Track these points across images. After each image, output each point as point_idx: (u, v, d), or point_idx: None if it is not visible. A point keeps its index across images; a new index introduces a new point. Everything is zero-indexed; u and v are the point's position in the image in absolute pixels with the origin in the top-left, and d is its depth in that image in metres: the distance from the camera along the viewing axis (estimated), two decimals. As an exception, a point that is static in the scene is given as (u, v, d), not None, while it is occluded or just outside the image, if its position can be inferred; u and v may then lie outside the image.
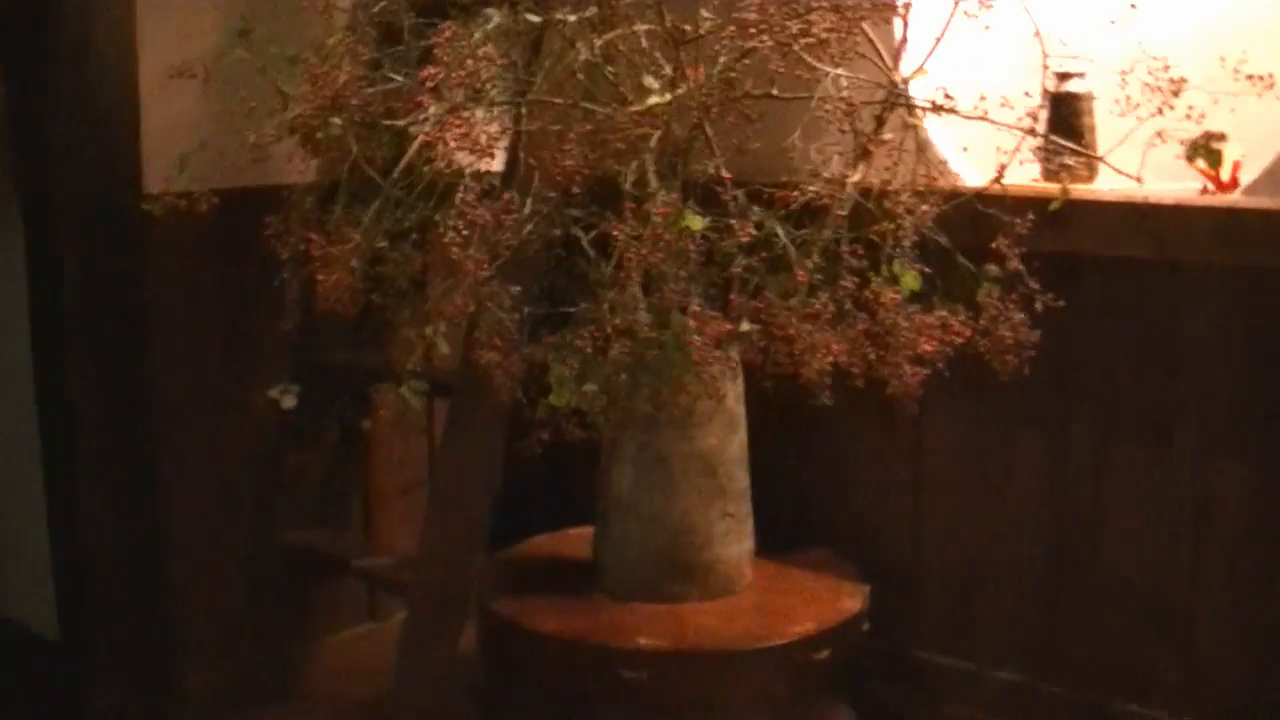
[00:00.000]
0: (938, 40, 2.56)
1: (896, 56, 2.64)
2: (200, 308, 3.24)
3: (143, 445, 3.19)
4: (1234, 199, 2.79)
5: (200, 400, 3.28)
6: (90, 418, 3.12)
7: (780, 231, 2.42)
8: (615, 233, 2.33)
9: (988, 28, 2.43)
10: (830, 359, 2.41)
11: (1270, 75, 2.47)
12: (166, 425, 3.22)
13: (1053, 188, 2.81)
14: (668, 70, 2.43)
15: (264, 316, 2.77)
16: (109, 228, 3.04)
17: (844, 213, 2.48)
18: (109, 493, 3.15)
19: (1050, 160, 2.87)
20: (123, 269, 3.10)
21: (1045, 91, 2.62)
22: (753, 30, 2.28)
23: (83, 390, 3.11)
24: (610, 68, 2.42)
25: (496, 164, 2.70)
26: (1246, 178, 2.82)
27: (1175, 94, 2.46)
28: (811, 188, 2.40)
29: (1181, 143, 2.56)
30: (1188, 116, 2.46)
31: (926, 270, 2.55)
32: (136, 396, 3.16)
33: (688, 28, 2.45)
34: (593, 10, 2.49)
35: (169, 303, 3.18)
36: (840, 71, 2.43)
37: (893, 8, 2.53)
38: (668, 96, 2.32)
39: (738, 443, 2.94)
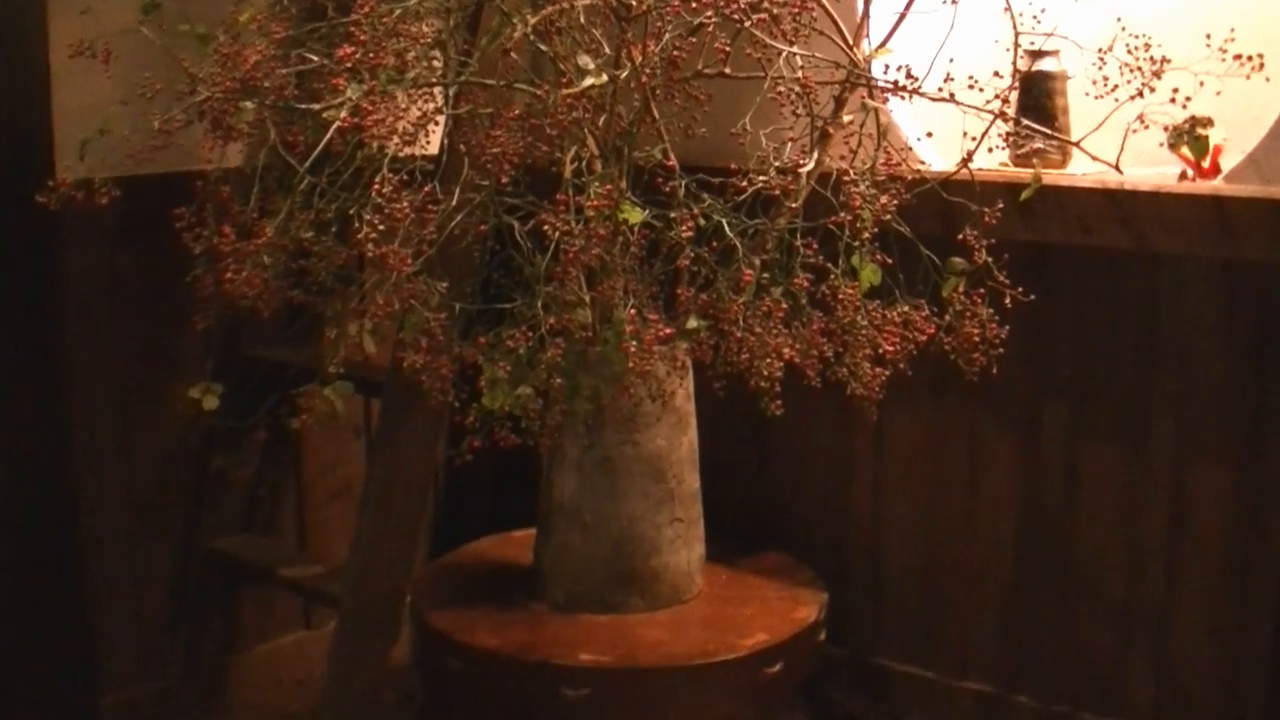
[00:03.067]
0: (901, 16, 2.40)
1: (857, 33, 2.48)
2: (118, 301, 3.05)
3: (56, 449, 3.00)
4: (1216, 186, 2.65)
5: (118, 400, 3.09)
6: (-1, 419, 2.93)
7: (727, 225, 2.24)
8: (547, 226, 2.15)
9: (955, 2, 2.26)
10: (782, 364, 2.24)
11: (1259, 56, 2.30)
12: (82, 427, 3.04)
13: (1024, 173, 2.65)
14: (607, 49, 2.25)
15: (187, 311, 2.58)
16: (19, 215, 2.84)
17: (797, 204, 2.31)
18: (19, 498, 2.95)
19: (1021, 144, 2.71)
20: (34, 260, 2.91)
21: (1016, 71, 2.43)
22: (695, 4, 2.09)
23: (-11, 391, 2.92)
24: (545, 46, 2.23)
25: (434, 147, 2.54)
26: (1228, 163, 2.67)
27: (1157, 75, 2.30)
28: (763, 177, 2.22)
29: (1165, 129, 2.39)
30: (1172, 100, 2.29)
31: (888, 261, 2.40)
32: (48, 397, 2.97)
33: (633, 1, 2.28)
34: (530, -19, 2.31)
35: (84, 296, 3.00)
36: (795, 50, 2.25)
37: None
38: (604, 78, 2.14)
39: (687, 443, 2.78)
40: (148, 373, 3.13)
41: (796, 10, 2.19)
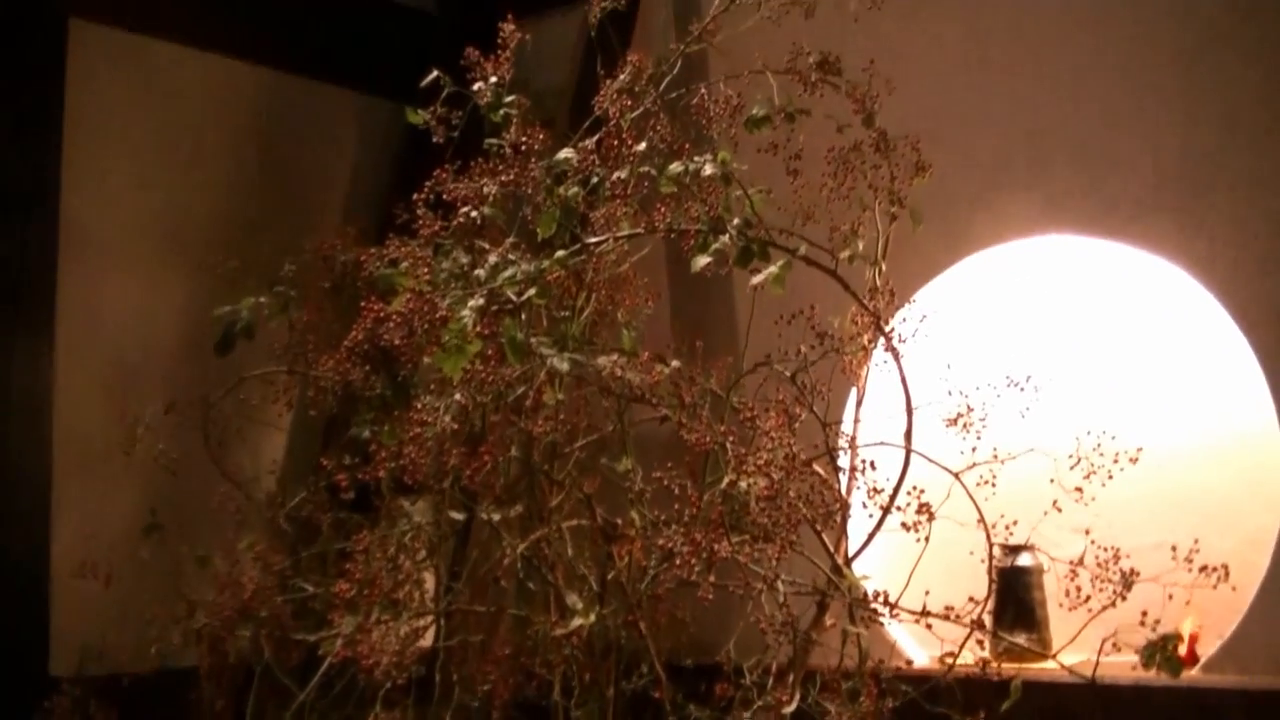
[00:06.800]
0: (870, 536, 2.47)
1: (837, 545, 2.55)
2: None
3: None
4: (1195, 677, 2.69)
5: None
6: None
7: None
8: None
9: (927, 539, 2.33)
10: None
11: (1225, 566, 2.37)
12: None
13: (1007, 669, 2.68)
14: (593, 584, 2.33)
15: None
16: (14, 710, 2.88)
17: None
18: None
19: (1001, 639, 2.76)
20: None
21: (991, 581, 2.49)
22: (677, 562, 2.16)
23: None
24: (534, 584, 2.30)
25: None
26: (1205, 649, 2.72)
27: (1127, 587, 2.36)
28: (747, 715, 2.25)
29: (1137, 651, 2.44)
30: (1141, 623, 2.35)
31: (872, 765, 2.41)
32: None
33: (619, 521, 2.36)
34: (519, 508, 2.39)
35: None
36: (780, 576, 2.31)
37: (833, 514, 2.43)
38: (592, 617, 2.20)
39: None
40: None
41: (779, 551, 2.25)
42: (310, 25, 3.73)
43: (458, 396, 2.25)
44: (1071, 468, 2.53)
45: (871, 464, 2.37)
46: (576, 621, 2.20)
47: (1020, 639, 2.79)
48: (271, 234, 3.48)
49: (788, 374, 2.43)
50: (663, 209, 2.34)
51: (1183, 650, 2.63)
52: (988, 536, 2.49)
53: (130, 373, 3.19)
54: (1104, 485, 2.54)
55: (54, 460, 2.97)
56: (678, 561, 2.13)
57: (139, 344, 3.24)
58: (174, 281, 3.32)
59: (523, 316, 2.25)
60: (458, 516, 2.41)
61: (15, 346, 3.04)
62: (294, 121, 3.72)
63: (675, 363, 2.37)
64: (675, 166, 2.30)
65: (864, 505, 2.38)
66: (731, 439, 2.25)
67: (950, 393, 2.50)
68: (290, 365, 2.67)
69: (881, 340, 2.46)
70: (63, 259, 3.10)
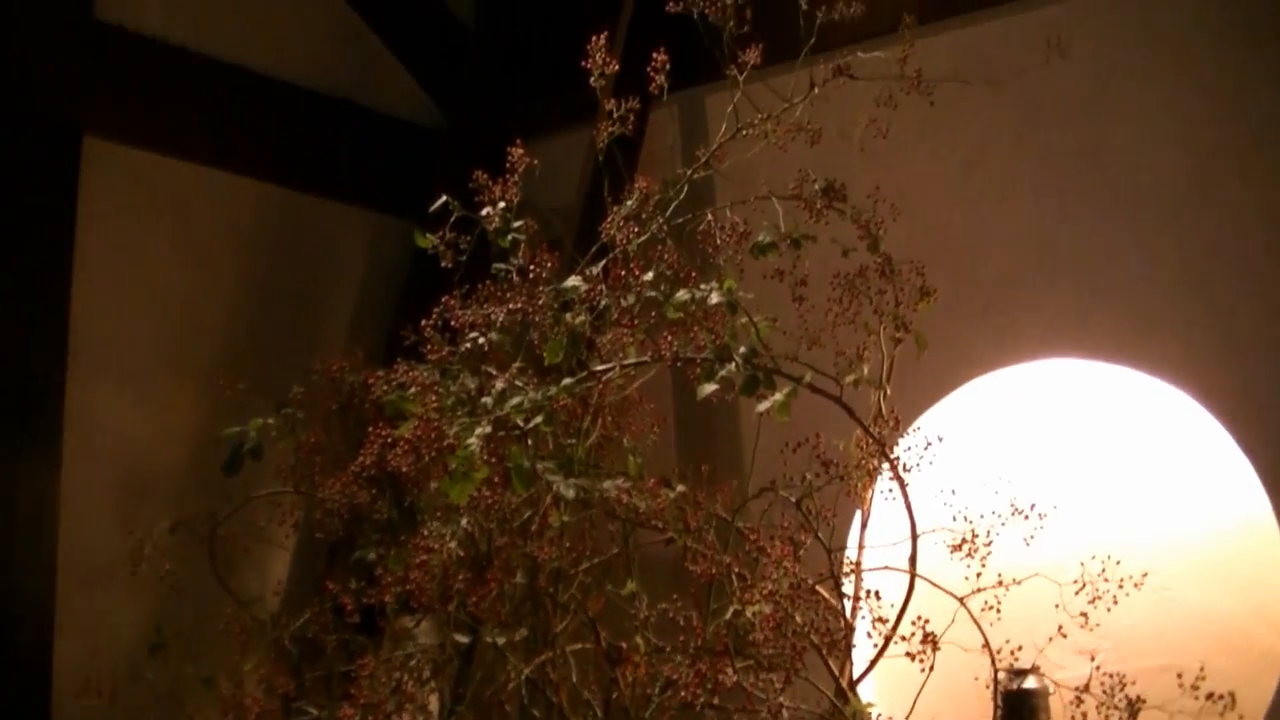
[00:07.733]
0: (872, 663, 2.46)
1: (842, 668, 2.54)
2: None
3: None
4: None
5: None
6: None
7: None
8: None
9: (932, 667, 2.33)
10: None
11: (1231, 694, 2.37)
12: None
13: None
14: (597, 707, 2.32)
15: None
16: None
17: None
18: None
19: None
20: None
21: (996, 706, 2.49)
22: (683, 693, 2.16)
23: None
24: (537, 709, 2.30)
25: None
26: (1213, 776, 2.70)
27: (1134, 715, 2.35)
28: None
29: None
30: (1150, 756, 2.35)
31: None
32: None
33: (623, 645, 2.36)
34: (524, 631, 2.39)
35: None
36: (783, 702, 2.31)
37: (838, 640, 2.42)
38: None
39: None
40: None
41: (785, 680, 2.25)
42: (319, 143, 3.76)
43: (464, 523, 2.26)
44: (1077, 592, 2.54)
45: (876, 594, 2.38)
46: (584, 753, 2.20)
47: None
48: (280, 350, 3.49)
49: (793, 500, 2.44)
50: (669, 335, 2.36)
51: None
52: (993, 661, 2.49)
53: (137, 490, 3.19)
54: (1109, 610, 2.54)
55: (58, 576, 2.96)
56: (683, 692, 2.13)
57: (146, 461, 3.24)
58: (182, 398, 3.33)
59: (529, 443, 2.26)
60: (462, 639, 2.41)
61: (22, 460, 3.04)
62: (302, 238, 3.74)
63: (680, 487, 2.38)
64: (682, 294, 2.32)
65: (869, 635, 2.38)
66: (737, 570, 2.25)
67: (955, 518, 2.51)
68: (296, 486, 2.68)
69: (886, 466, 2.47)
70: (71, 373, 3.11)
